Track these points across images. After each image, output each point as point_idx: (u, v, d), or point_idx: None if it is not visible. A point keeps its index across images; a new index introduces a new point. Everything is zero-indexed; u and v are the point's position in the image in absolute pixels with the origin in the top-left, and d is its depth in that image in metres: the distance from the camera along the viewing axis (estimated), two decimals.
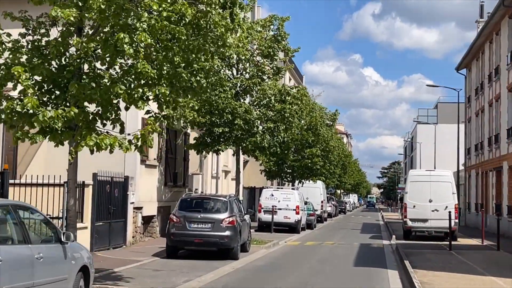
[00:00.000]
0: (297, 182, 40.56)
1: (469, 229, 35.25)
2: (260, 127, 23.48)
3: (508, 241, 27.54)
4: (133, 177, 20.68)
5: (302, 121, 38.89)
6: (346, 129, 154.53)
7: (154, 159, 22.75)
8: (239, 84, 23.24)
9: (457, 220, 26.79)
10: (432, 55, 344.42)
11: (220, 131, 22.36)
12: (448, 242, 26.21)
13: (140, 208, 21.40)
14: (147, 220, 22.60)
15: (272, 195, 32.30)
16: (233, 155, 25.16)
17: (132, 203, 20.63)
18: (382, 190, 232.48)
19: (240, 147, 23.59)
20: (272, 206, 31.16)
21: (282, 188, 33.55)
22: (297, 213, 31.80)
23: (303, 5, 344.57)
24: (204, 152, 27.67)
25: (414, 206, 27.14)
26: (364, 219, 58.56)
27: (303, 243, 25.66)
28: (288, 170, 39.67)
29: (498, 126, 32.99)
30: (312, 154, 38.21)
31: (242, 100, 23.33)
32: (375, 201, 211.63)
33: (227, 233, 17.45)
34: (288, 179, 40.96)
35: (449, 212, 24.09)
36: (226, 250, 17.75)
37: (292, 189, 33.58)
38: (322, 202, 45.62)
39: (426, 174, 27.61)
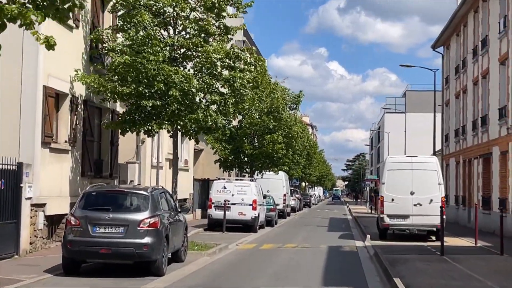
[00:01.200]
0: (256, 173, 35.76)
1: (451, 226, 30.86)
2: (204, 101, 18.52)
3: (505, 241, 23.14)
4: (30, 164, 15.56)
5: (262, 104, 34.18)
6: (311, 121, 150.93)
7: (65, 141, 17.61)
8: (176, 46, 18.20)
9: (444, 216, 22.26)
10: (396, 50, 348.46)
11: (151, 105, 17.32)
12: (434, 243, 21.79)
13: (42, 205, 16.26)
14: (56, 220, 17.47)
15: (225, 188, 27.41)
16: (170, 136, 20.13)
17: (29, 198, 15.52)
18: (347, 182, 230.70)
19: (178, 127, 18.57)
20: (225, 201, 26.31)
21: (236, 179, 28.63)
22: (254, 208, 26.98)
23: None
24: (142, 136, 22.66)
25: (392, 200, 22.55)
26: (331, 213, 54.13)
27: (258, 246, 20.83)
28: (247, 160, 34.87)
29: (485, 106, 28.63)
30: (273, 140, 33.46)
31: (181, 68, 18.32)
32: (340, 194, 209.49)
33: (147, 240, 12.46)
34: (247, 170, 36.14)
35: (440, 207, 19.53)
36: (146, 263, 12.78)
37: (250, 180, 28.71)
38: (284, 195, 40.95)
39: (407, 161, 23.01)
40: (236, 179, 28.51)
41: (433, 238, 23.50)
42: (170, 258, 14.38)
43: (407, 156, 23.26)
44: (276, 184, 40.80)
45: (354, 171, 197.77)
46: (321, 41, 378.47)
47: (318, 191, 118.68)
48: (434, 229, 22.37)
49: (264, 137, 34.74)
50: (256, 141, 35.06)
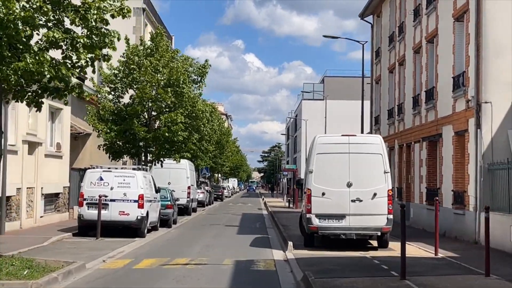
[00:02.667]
0: (154, 162, 29.18)
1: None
2: (37, 41, 11.75)
3: (464, 246, 17.68)
4: None
5: (159, 76, 27.59)
6: (226, 111, 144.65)
7: None
8: None
9: (391, 216, 16.52)
10: (312, 43, 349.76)
11: None
12: (379, 253, 16.04)
13: None
14: None
15: (101, 179, 20.66)
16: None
17: None
18: (262, 174, 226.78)
19: None
20: (100, 197, 19.66)
21: (117, 168, 21.89)
22: (141, 205, 20.42)
23: None
24: None
25: (323, 194, 16.62)
26: (244, 207, 48.14)
27: (133, 264, 14.28)
28: (141, 145, 28.19)
29: (432, 77, 23.24)
30: (172, 121, 26.98)
31: None
32: (256, 186, 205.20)
33: None
34: (141, 157, 29.45)
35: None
36: None
37: (134, 169, 22.01)
38: (189, 188, 34.54)
39: (342, 142, 17.05)
40: (110, 168, 21.60)
41: (373, 243, 17.76)
42: None
43: (342, 136, 17.34)
44: (178, 175, 34.38)
45: (270, 163, 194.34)
46: (238, 33, 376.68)
47: (232, 182, 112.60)
48: (378, 233, 16.61)
49: (160, 117, 28.24)
50: (150, 121, 28.48)
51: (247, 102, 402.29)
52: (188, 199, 34.25)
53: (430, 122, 23.06)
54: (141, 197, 20.44)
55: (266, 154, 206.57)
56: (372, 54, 34.38)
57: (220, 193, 63.30)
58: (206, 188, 50.43)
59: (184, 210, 34.17)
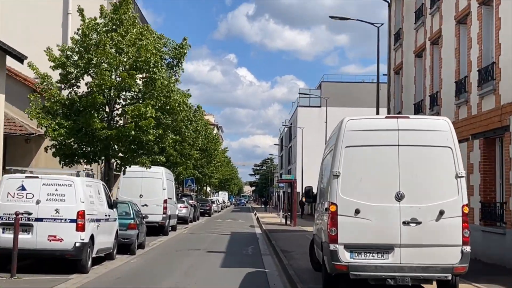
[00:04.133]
0: (123, 168, 22.88)
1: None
2: None
3: None
4: None
5: (123, 57, 21.29)
6: (217, 122, 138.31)
7: None
8: None
9: (468, 248, 10.23)
10: (304, 57, 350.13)
11: None
12: None
13: None
14: None
15: (24, 189, 14.26)
16: None
17: None
18: (254, 188, 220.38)
19: None
20: (17, 214, 13.28)
21: (48, 175, 15.38)
22: (80, 227, 14.03)
23: (179, 4, 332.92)
24: None
25: (357, 212, 10.28)
26: (234, 224, 41.67)
27: None
28: (99, 145, 21.82)
29: (491, 50, 17.01)
30: (140, 114, 20.71)
31: None
32: (247, 200, 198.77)
33: None
34: (101, 162, 23.08)
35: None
36: None
37: (74, 174, 15.47)
38: (165, 202, 28.09)
39: (388, 128, 10.74)
40: (36, 174, 15.21)
41: None
42: None
43: (386, 118, 11.02)
44: (152, 185, 28.05)
45: (262, 176, 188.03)
46: (231, 47, 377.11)
47: (222, 196, 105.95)
48: (448, 275, 10.23)
49: (125, 109, 21.93)
50: (113, 116, 22.14)
51: (239, 116, 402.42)
52: (165, 215, 27.81)
53: (488, 111, 16.77)
54: (81, 214, 14.03)
55: (258, 167, 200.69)
56: (389, 38, 28.16)
57: (207, 208, 56.71)
58: (191, 202, 43.94)
59: (159, 229, 27.78)
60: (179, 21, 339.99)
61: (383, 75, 29.54)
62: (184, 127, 28.98)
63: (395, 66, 27.64)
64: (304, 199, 39.50)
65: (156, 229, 27.72)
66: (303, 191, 32.18)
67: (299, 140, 72.81)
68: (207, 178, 56.21)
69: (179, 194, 32.87)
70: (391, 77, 27.81)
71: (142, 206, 27.22)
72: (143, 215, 21.85)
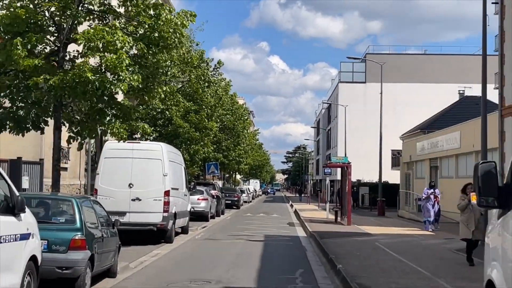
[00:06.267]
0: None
1: None
2: None
3: None
4: None
5: None
6: (247, 105, 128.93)
7: None
8: None
9: None
10: (336, 45, 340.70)
11: None
12: None
13: None
14: None
15: None
16: None
17: None
18: (286, 176, 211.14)
19: None
20: None
21: None
22: None
23: None
24: None
25: None
26: (268, 221, 32.45)
27: None
28: (36, 99, 12.71)
29: None
30: (106, 45, 11.55)
31: None
32: (279, 188, 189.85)
33: None
34: (42, 126, 14.02)
35: None
36: None
37: None
38: (167, 194, 18.89)
39: None
40: None
41: None
42: None
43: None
44: (146, 169, 18.95)
45: (295, 163, 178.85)
46: (263, 35, 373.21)
47: (254, 184, 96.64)
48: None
49: (76, 37, 12.81)
50: (63, 49, 13.06)
51: (271, 104, 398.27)
52: (166, 214, 18.63)
53: None
54: None
55: (290, 155, 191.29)
56: None
57: (235, 199, 47.54)
58: (213, 192, 34.84)
59: (159, 234, 18.80)
60: (211, 10, 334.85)
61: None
62: (199, 87, 19.97)
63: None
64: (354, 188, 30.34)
65: (155, 234, 18.72)
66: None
67: (341, 120, 63.22)
68: (234, 164, 46.99)
69: (193, 183, 23.51)
70: (502, 39, 18.22)
71: (133, 200, 18.42)
72: (115, 220, 12.59)
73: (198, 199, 29.86)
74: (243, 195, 58.93)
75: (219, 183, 45.65)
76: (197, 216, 29.51)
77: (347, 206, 27.83)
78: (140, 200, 18.28)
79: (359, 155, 58.95)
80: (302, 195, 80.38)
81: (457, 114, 44.17)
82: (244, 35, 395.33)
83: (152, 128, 23.62)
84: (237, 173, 70.21)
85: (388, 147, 50.33)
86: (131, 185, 18.36)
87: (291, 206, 54.99)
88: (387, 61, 67.44)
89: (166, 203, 18.60)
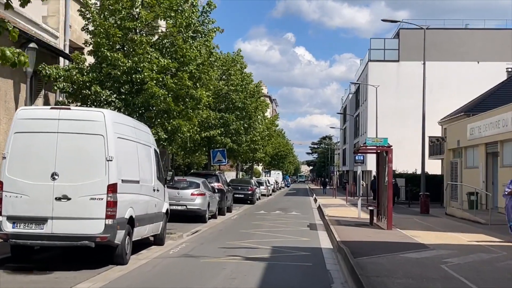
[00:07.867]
0: None
1: None
2: None
3: None
4: None
5: None
6: (271, 94, 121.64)
7: None
8: None
9: None
10: (363, 35, 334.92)
11: None
12: None
13: None
14: None
15: None
16: None
17: None
18: (311, 167, 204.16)
19: None
20: None
21: None
22: None
23: None
24: None
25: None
26: (283, 221, 25.40)
27: None
28: None
29: None
30: None
31: None
32: (304, 179, 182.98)
33: None
34: None
35: None
36: None
37: None
38: (111, 188, 11.90)
39: None
40: None
41: None
42: None
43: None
44: (79, 151, 11.98)
45: (320, 154, 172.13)
46: (288, 26, 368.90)
47: (275, 176, 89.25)
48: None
49: None
50: None
51: (296, 95, 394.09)
52: (111, 221, 11.71)
53: None
54: None
55: (315, 146, 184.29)
56: None
57: (249, 192, 40.60)
58: (216, 185, 27.99)
59: (104, 253, 11.98)
60: (237, 1, 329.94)
61: None
62: (179, 37, 13.26)
63: None
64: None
65: (95, 252, 11.91)
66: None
67: (371, 104, 55.87)
68: (249, 152, 39.99)
69: (170, 173, 16.34)
70: None
71: (58, 199, 11.58)
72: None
73: (192, 194, 23.22)
74: (261, 188, 52.08)
75: (226, 174, 38.73)
76: (192, 216, 22.89)
77: (387, 204, 20.66)
78: (69, 199, 11.42)
79: (391, 141, 51.58)
80: (327, 187, 73.14)
81: (506, 94, 37.46)
82: (270, 26, 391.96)
83: (114, 95, 16.82)
84: (257, 163, 63.20)
85: (425, 134, 43.31)
86: (56, 176, 11.47)
87: (315, 200, 47.97)
88: (422, 37, 60.14)
89: (111, 204, 11.69)
